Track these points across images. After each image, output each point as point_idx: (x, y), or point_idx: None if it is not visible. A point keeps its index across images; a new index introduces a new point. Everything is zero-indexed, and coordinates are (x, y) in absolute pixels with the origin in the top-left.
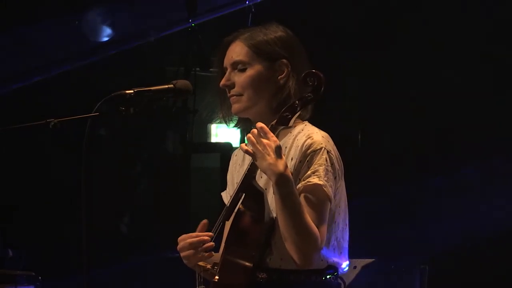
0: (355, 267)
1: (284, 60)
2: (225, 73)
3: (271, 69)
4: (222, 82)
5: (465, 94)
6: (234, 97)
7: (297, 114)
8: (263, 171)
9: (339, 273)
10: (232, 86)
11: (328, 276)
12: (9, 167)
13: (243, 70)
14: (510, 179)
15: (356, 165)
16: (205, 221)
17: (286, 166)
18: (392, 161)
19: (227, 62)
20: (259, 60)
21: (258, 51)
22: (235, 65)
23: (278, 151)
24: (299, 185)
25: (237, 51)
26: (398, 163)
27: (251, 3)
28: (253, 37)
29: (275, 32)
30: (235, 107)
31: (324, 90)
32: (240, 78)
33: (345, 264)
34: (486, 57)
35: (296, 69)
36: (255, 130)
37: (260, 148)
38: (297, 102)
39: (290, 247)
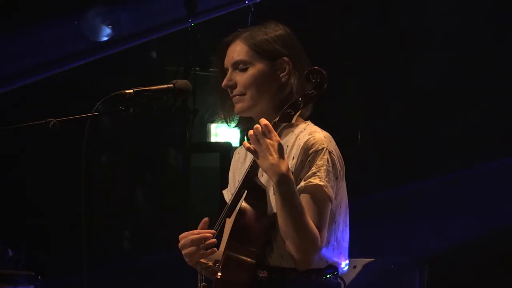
0: (355, 267)
1: (285, 58)
2: (225, 74)
3: (272, 67)
4: (224, 82)
5: (465, 94)
6: (237, 97)
7: (299, 111)
8: (264, 171)
9: (339, 272)
10: (234, 86)
11: (328, 276)
12: (9, 167)
13: (244, 70)
14: (509, 178)
15: (356, 165)
16: (206, 219)
17: (287, 167)
18: (392, 161)
19: (227, 62)
20: (260, 59)
21: (259, 50)
22: (236, 65)
23: (281, 151)
24: (300, 185)
25: (237, 50)
26: (398, 163)
27: (250, 3)
28: (253, 36)
29: (275, 30)
30: (238, 106)
31: (327, 87)
32: (242, 78)
33: (344, 264)
34: (489, 55)
35: (297, 66)
36: (258, 126)
37: (262, 147)
38: (300, 99)
39: (290, 247)
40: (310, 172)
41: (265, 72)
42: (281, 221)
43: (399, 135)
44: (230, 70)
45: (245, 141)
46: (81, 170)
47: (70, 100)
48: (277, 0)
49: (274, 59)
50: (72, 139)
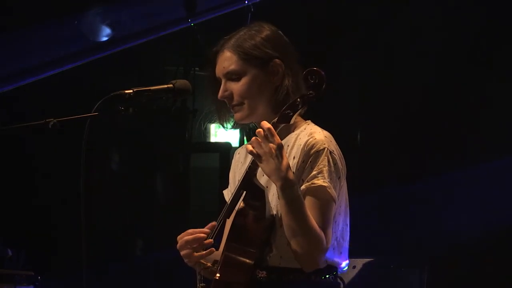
0: (354, 267)
1: (277, 60)
2: (219, 83)
3: (265, 72)
4: (220, 94)
5: (465, 94)
6: (236, 107)
7: (298, 112)
8: (267, 175)
9: (338, 272)
10: (231, 96)
11: (327, 276)
12: (9, 167)
13: (237, 79)
14: (510, 178)
15: (356, 165)
16: (214, 223)
17: (290, 170)
18: (392, 161)
19: (219, 73)
20: (252, 66)
21: (249, 58)
22: (228, 76)
23: (282, 154)
24: (303, 186)
25: (227, 60)
26: (398, 163)
27: (250, 3)
28: (240, 43)
29: (261, 32)
30: (238, 116)
31: (325, 87)
32: (237, 87)
33: (344, 264)
34: (486, 56)
35: (289, 66)
36: (260, 130)
37: (265, 151)
38: (298, 99)
39: (295, 250)
40: (312, 173)
41: (259, 78)
42: (286, 224)
43: (399, 135)
44: (223, 81)
45: (247, 144)
46: (81, 170)
47: (70, 100)
48: (277, 0)
49: (266, 63)
50: (72, 139)
